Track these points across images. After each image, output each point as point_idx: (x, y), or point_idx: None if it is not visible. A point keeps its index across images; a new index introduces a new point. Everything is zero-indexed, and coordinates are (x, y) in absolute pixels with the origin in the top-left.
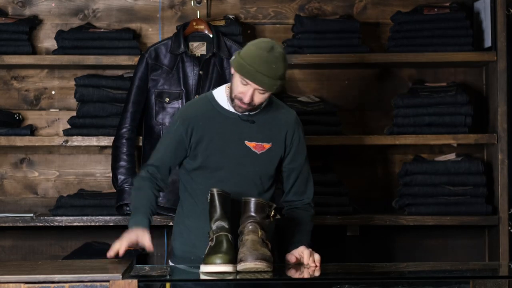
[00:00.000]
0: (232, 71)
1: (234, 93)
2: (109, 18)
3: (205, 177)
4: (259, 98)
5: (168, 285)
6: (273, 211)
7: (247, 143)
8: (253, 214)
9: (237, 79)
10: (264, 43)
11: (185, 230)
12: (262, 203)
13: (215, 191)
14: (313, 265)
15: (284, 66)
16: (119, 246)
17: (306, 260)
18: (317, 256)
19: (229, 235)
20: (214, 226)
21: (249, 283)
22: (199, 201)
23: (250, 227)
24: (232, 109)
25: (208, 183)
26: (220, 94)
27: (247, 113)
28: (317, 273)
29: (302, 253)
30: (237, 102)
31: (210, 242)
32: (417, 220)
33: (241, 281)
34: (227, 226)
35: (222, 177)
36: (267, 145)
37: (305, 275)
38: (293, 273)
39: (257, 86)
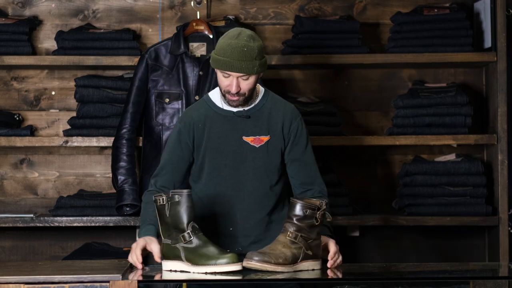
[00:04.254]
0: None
1: (222, 89)
2: (109, 18)
3: (208, 177)
4: (246, 85)
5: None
6: (320, 213)
7: (244, 138)
8: (294, 213)
9: (219, 74)
10: (231, 32)
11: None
12: (305, 205)
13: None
14: (331, 262)
15: (258, 45)
16: (135, 258)
17: (332, 255)
18: (340, 259)
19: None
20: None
21: (249, 283)
22: (208, 203)
23: (284, 227)
24: (227, 108)
25: (211, 183)
26: (215, 95)
27: (241, 109)
28: (334, 274)
29: (329, 246)
30: (228, 96)
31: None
32: (417, 221)
33: (241, 282)
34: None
35: (224, 175)
36: (265, 138)
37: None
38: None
39: (237, 74)
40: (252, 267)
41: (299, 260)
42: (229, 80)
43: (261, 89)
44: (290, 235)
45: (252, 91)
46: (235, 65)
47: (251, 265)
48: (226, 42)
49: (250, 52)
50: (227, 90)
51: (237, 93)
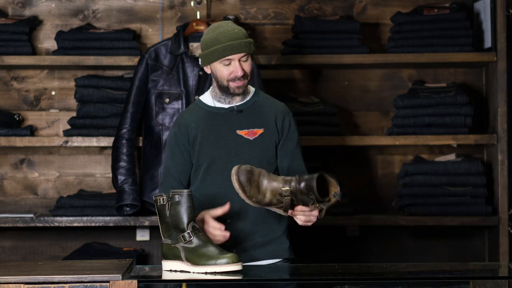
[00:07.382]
0: (208, 70)
1: (225, 80)
2: (109, 18)
3: (205, 173)
4: (247, 66)
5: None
6: (317, 203)
7: (238, 132)
8: (301, 186)
9: (218, 68)
10: (210, 28)
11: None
12: (312, 189)
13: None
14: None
15: (240, 27)
16: (218, 231)
17: (302, 208)
18: (312, 218)
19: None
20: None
21: (249, 283)
22: (205, 197)
23: (289, 178)
24: (219, 105)
25: (208, 177)
26: (206, 96)
27: (233, 105)
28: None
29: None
30: (233, 84)
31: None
32: (417, 221)
33: (241, 282)
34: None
35: (220, 168)
36: (258, 131)
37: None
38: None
39: (239, 55)
40: (233, 183)
41: (268, 207)
42: (231, 66)
43: (251, 88)
44: (285, 192)
45: (249, 79)
46: (235, 46)
47: (233, 179)
48: (214, 34)
49: (241, 32)
50: (232, 77)
51: (243, 76)
